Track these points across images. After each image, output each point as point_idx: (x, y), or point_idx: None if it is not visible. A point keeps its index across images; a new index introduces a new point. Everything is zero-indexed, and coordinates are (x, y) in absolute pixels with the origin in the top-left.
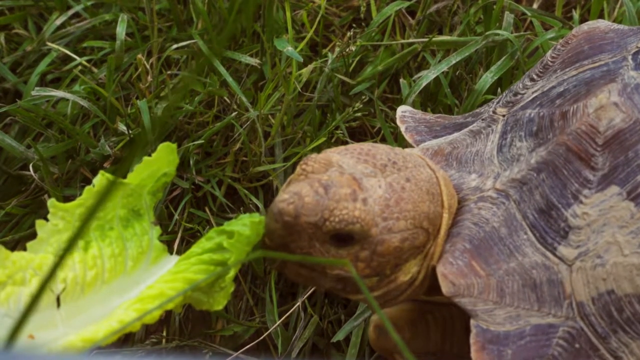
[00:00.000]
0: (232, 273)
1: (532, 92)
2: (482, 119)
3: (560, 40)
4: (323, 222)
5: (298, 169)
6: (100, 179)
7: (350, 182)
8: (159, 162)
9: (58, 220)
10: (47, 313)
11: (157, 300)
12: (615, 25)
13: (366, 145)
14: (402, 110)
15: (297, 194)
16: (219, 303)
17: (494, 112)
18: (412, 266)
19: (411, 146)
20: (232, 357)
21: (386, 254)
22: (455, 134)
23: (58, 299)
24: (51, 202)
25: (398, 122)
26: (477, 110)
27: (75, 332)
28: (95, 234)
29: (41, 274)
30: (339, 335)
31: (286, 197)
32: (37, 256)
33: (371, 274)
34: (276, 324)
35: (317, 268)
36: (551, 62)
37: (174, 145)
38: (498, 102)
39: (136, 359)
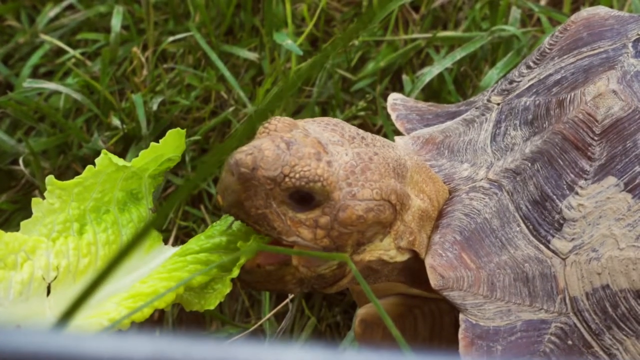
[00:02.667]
0: (233, 274)
1: (528, 80)
2: (476, 108)
3: (559, 27)
4: (282, 178)
5: (260, 128)
6: (103, 159)
7: (315, 144)
8: (165, 148)
9: (55, 199)
10: (35, 301)
11: (149, 298)
12: (616, 12)
13: (335, 119)
14: (394, 97)
15: (257, 147)
16: (210, 303)
17: (489, 101)
18: (377, 248)
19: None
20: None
21: (348, 223)
22: (448, 123)
23: (48, 288)
24: (49, 179)
25: (389, 109)
26: (471, 98)
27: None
28: (91, 217)
29: (34, 258)
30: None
31: (245, 149)
32: (31, 238)
33: (330, 246)
34: (266, 317)
35: (272, 233)
36: (548, 49)
37: (183, 132)
38: (493, 90)
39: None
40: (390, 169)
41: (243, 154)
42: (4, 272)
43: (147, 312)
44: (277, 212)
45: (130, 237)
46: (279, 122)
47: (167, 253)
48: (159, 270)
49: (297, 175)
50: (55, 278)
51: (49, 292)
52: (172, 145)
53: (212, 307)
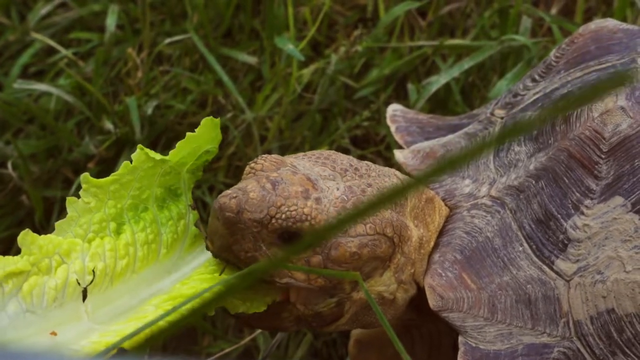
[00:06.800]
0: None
1: (534, 94)
2: (479, 121)
3: (566, 39)
4: (269, 219)
5: (247, 168)
6: (139, 154)
7: (303, 181)
8: (201, 139)
9: (90, 197)
10: (70, 306)
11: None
12: (625, 25)
13: (327, 151)
14: (393, 108)
15: (242, 189)
16: (256, 306)
17: (492, 114)
18: (377, 284)
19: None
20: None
21: (342, 261)
22: (450, 136)
23: (85, 293)
24: (84, 177)
25: (388, 121)
26: (474, 111)
27: (100, 328)
28: (128, 215)
29: (68, 261)
30: None
31: (229, 192)
32: (65, 240)
33: (327, 285)
34: (259, 331)
35: (264, 276)
36: (555, 62)
37: (217, 120)
38: (496, 104)
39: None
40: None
41: (227, 198)
42: (37, 278)
43: None
44: (267, 254)
45: (170, 235)
46: (265, 161)
47: (208, 253)
48: (201, 271)
49: (284, 216)
50: (92, 282)
51: (85, 297)
52: (207, 135)
53: (259, 310)
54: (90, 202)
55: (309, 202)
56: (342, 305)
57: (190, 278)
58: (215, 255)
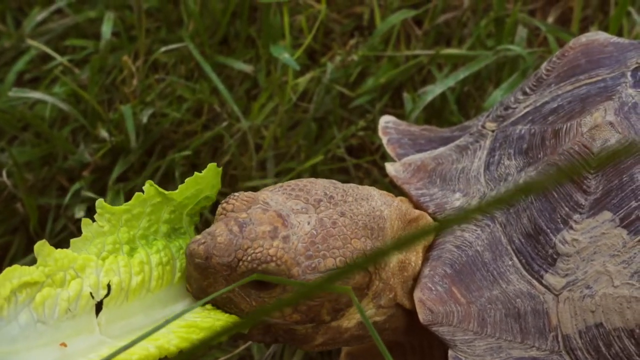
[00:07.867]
0: None
1: (524, 107)
2: (470, 134)
3: (557, 52)
4: (237, 262)
5: (219, 208)
6: (149, 189)
7: (272, 219)
8: (205, 182)
9: (104, 222)
10: (84, 318)
11: (204, 333)
12: (616, 39)
13: (303, 181)
14: (386, 120)
15: (211, 233)
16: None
17: (483, 127)
18: (356, 312)
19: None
20: None
21: (314, 296)
22: (441, 149)
23: (100, 305)
24: (99, 203)
25: (380, 133)
26: (465, 123)
27: (111, 343)
28: (141, 242)
29: (83, 275)
30: None
31: (198, 238)
32: (80, 256)
33: (304, 319)
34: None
35: (241, 315)
36: (546, 75)
37: (220, 170)
38: (487, 116)
39: None
40: (359, 228)
41: (196, 244)
42: (50, 290)
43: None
44: (240, 294)
45: (184, 261)
46: (236, 201)
47: None
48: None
49: (249, 258)
50: (108, 295)
51: (99, 310)
52: (210, 180)
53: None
54: (104, 226)
55: (275, 242)
56: (318, 329)
57: (207, 311)
58: (194, 297)
